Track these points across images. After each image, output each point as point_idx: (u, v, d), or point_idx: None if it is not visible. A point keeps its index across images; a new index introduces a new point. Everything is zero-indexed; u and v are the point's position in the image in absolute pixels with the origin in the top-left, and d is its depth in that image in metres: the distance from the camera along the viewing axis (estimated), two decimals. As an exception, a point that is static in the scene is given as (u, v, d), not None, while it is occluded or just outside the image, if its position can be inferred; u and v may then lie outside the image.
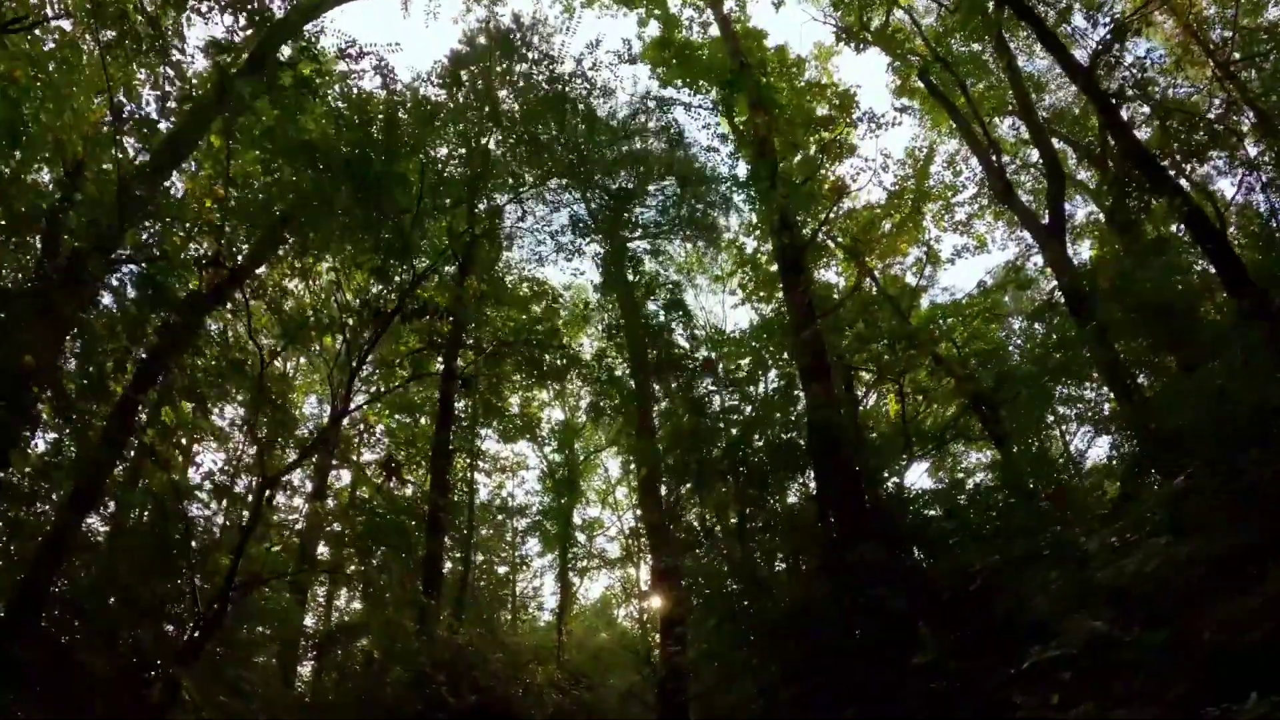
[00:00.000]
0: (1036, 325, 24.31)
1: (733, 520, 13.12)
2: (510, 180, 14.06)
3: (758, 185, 14.89)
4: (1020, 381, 17.06)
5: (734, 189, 16.35)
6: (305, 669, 22.07)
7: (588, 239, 20.66)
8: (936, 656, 8.66)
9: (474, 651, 14.67)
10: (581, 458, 24.95)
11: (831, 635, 12.56)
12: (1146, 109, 18.83)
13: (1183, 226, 18.69)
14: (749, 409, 12.85)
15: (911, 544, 12.95)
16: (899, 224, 20.29)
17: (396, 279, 10.24)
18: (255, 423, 10.72)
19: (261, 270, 16.80)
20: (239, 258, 14.79)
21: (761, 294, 19.84)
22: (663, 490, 16.24)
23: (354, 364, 9.94)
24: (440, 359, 11.48)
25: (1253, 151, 20.20)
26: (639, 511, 19.78)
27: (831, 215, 15.94)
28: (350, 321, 9.98)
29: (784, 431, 12.71)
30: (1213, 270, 16.54)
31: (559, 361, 17.73)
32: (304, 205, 9.88)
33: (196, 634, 9.13)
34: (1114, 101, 12.40)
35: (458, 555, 20.72)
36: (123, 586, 10.29)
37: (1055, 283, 25.27)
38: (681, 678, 15.28)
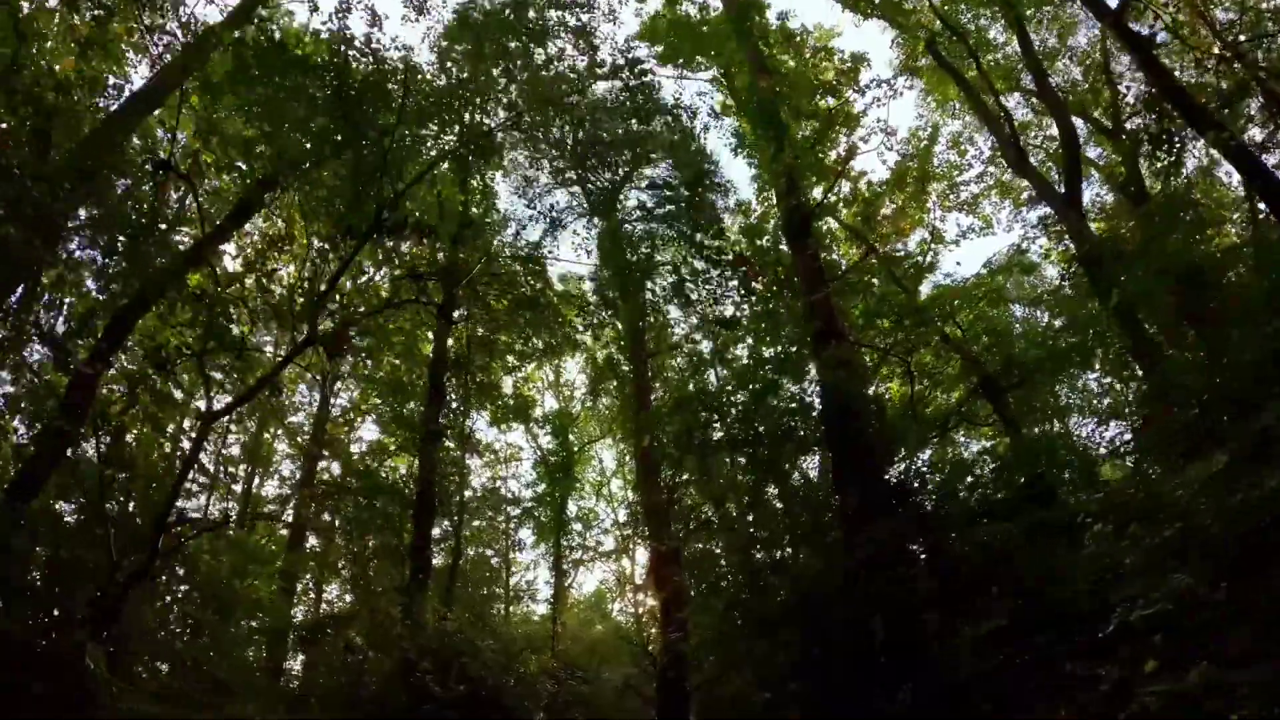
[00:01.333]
0: (1039, 311, 23.35)
1: (743, 497, 11.76)
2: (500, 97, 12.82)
3: (762, 147, 13.68)
4: (1033, 364, 15.96)
5: (737, 151, 15.14)
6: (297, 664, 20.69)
7: (583, 215, 19.49)
8: (1004, 625, 7.27)
9: (463, 639, 13.28)
10: (576, 447, 23.57)
11: (847, 619, 11.25)
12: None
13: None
14: (759, 373, 11.50)
15: (931, 520, 11.68)
16: (903, 203, 19.20)
17: (374, 198, 8.93)
18: (204, 349, 9.32)
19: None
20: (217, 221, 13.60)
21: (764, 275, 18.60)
22: (663, 469, 14.92)
23: (321, 287, 8.63)
24: (423, 285, 10.08)
25: (1257, 135, 19.25)
26: (636, 495, 18.32)
27: (840, 179, 14.73)
28: (320, 244, 8.66)
29: (795, 402, 11.39)
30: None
31: (555, 321, 16.36)
32: (280, 132, 8.59)
33: (113, 595, 7.78)
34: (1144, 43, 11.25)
35: (449, 544, 19.27)
36: (64, 561, 8.95)
37: (1059, 270, 24.35)
38: (682, 667, 13.92)
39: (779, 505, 11.50)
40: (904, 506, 11.15)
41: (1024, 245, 20.33)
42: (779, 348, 12.57)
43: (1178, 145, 11.90)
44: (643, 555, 23.63)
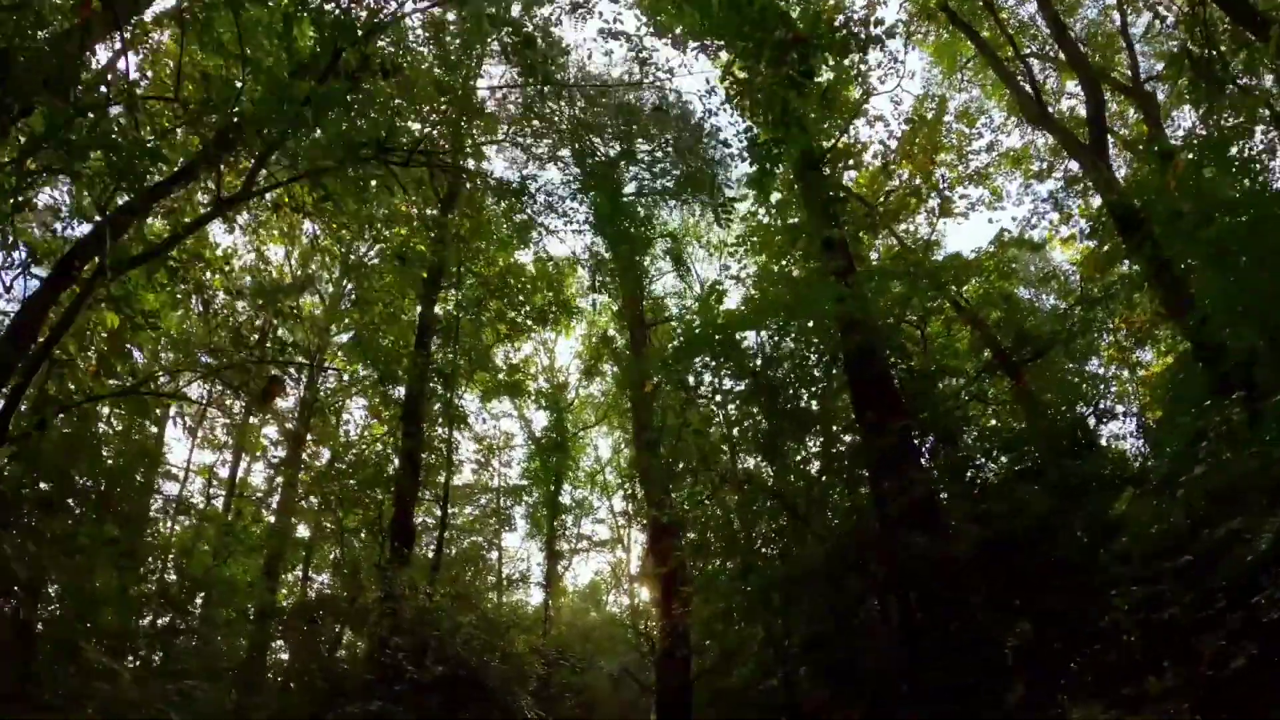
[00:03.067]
0: (1047, 294, 21.91)
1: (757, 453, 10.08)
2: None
3: (772, 88, 12.12)
4: (1046, 338, 14.55)
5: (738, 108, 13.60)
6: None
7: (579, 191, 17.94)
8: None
9: (443, 615, 11.56)
10: (571, 433, 21.89)
11: (870, 588, 9.58)
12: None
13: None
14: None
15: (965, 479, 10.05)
16: (911, 173, 17.73)
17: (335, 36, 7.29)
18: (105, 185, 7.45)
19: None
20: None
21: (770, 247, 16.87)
22: (665, 428, 13.22)
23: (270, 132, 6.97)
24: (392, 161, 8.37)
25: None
26: (632, 466, 16.48)
27: (856, 125, 13.25)
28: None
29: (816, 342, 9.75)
30: None
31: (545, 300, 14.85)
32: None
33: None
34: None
35: (434, 529, 17.51)
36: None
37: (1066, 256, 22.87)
38: (683, 647, 12.21)
39: (800, 455, 9.82)
40: (935, 459, 9.57)
41: (1033, 220, 18.91)
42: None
43: (1220, 68, 10.46)
44: (639, 547, 21.94)
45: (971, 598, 8.69)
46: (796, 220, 13.51)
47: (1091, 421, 12.54)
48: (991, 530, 8.80)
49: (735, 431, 12.21)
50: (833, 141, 12.37)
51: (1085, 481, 9.12)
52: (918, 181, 17.84)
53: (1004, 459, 10.12)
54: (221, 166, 12.03)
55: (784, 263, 15.00)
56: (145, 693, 10.49)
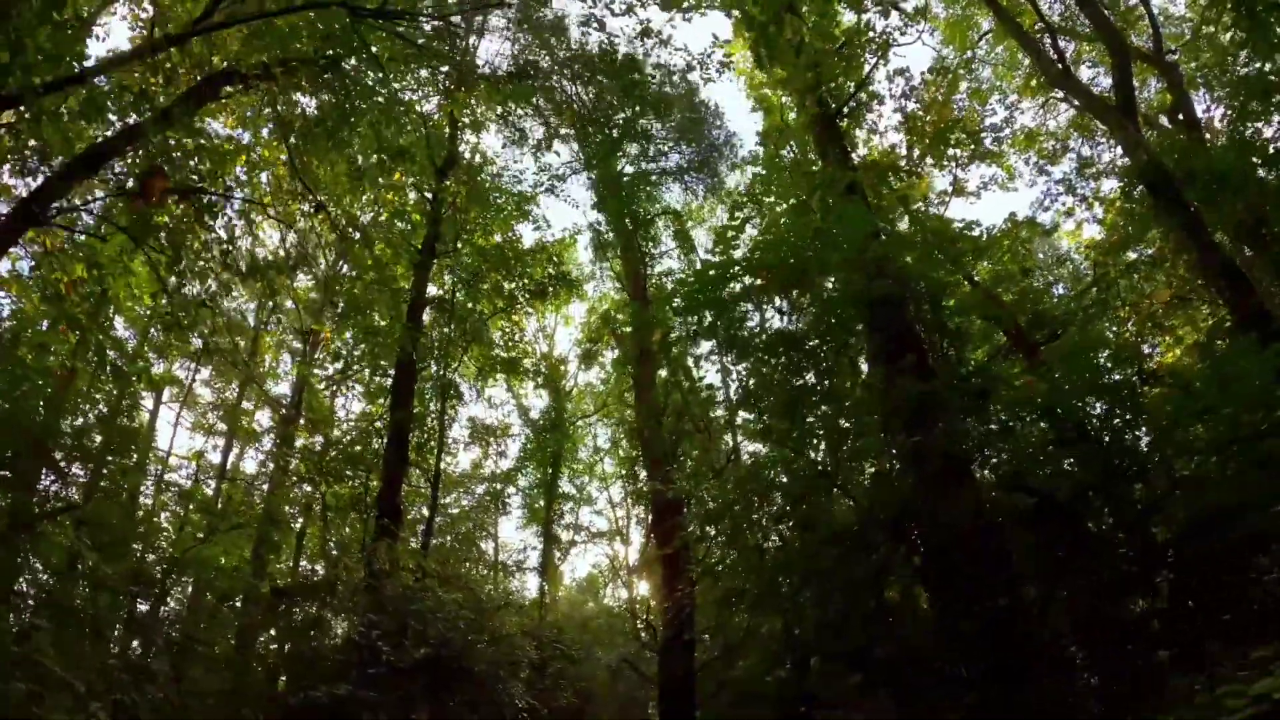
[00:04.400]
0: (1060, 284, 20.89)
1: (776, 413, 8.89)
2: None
3: (783, 48, 11.07)
4: (1061, 321, 13.51)
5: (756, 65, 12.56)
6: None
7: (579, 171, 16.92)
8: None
9: (427, 592, 10.35)
10: (569, 419, 20.68)
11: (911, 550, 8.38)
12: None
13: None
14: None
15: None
16: (922, 151, 16.66)
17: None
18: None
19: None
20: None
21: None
22: (669, 391, 12.03)
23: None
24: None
25: None
26: (637, 423, 14.97)
27: (875, 76, 12.14)
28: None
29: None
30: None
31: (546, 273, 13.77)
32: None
33: None
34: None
35: (426, 515, 16.26)
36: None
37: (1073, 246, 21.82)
38: (689, 629, 10.99)
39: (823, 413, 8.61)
40: (972, 416, 8.42)
41: (1045, 203, 17.86)
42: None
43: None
44: (638, 539, 20.71)
45: (1015, 569, 7.54)
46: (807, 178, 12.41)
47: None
48: (1037, 496, 7.69)
49: (744, 414, 11.08)
50: (855, 89, 11.26)
51: (1137, 445, 8.02)
52: (929, 161, 16.82)
53: (1042, 425, 8.99)
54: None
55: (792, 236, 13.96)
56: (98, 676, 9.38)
